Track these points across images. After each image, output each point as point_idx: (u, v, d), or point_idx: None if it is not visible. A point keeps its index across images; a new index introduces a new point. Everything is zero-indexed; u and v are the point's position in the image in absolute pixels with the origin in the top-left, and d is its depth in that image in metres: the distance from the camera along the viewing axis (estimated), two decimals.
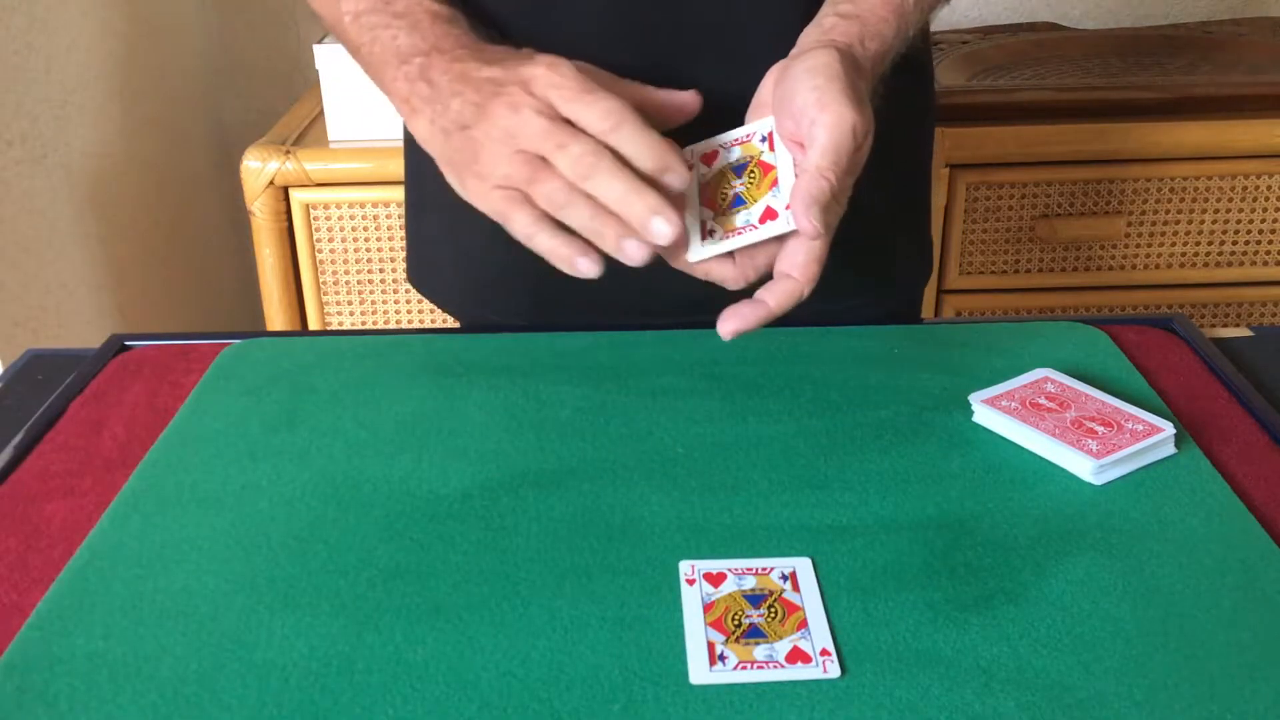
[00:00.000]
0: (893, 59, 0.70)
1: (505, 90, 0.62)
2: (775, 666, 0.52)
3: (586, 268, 0.61)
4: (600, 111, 0.60)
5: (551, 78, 0.61)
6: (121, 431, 0.72)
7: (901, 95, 0.73)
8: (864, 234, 0.80)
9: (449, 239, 0.89)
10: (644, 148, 0.60)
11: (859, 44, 0.67)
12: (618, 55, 0.75)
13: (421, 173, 0.87)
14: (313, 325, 1.53)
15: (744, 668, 0.52)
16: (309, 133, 1.54)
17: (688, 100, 0.67)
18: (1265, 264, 1.56)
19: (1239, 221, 1.53)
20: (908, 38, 0.71)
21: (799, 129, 0.62)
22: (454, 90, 0.64)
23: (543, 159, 0.61)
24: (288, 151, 1.45)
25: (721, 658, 0.52)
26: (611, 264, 0.63)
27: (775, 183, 0.64)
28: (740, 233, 0.64)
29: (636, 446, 0.69)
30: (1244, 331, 0.86)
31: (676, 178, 0.60)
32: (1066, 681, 0.51)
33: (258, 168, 1.44)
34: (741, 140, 0.66)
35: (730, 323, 0.63)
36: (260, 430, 0.71)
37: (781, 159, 0.64)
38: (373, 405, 0.73)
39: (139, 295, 1.61)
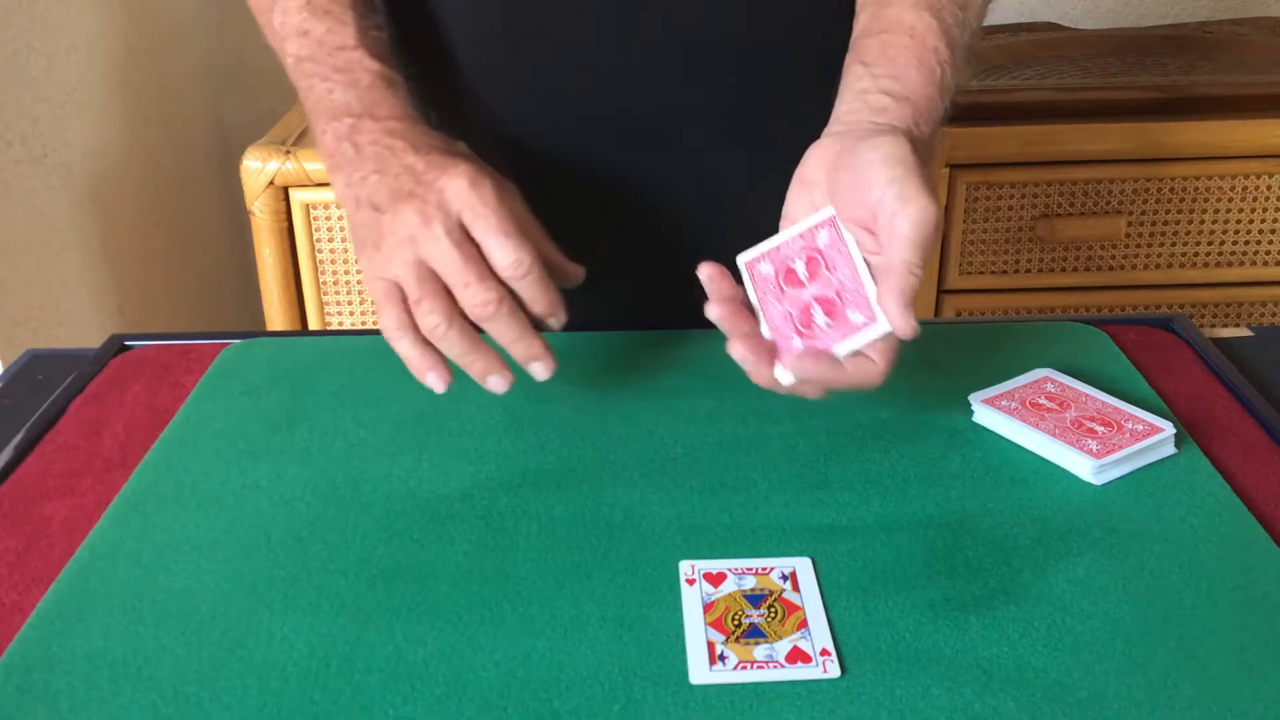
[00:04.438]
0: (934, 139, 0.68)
1: (420, 192, 0.63)
2: (775, 666, 0.52)
3: (435, 383, 0.64)
4: (515, 259, 0.62)
5: (471, 199, 0.62)
6: (121, 431, 0.72)
7: None
8: None
9: None
10: (540, 299, 0.64)
11: (915, 127, 0.64)
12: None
13: None
14: (313, 325, 1.53)
15: (744, 668, 0.52)
16: (309, 133, 1.53)
17: (575, 271, 0.69)
18: (1265, 264, 1.56)
19: (1239, 221, 1.53)
20: (947, 115, 0.68)
21: (872, 219, 0.59)
22: (376, 165, 0.65)
23: (436, 276, 0.62)
24: (288, 151, 1.45)
25: (721, 658, 0.52)
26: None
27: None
28: (832, 343, 0.59)
29: (636, 446, 0.69)
30: (1244, 331, 0.86)
31: (557, 321, 0.66)
32: (1066, 681, 0.51)
33: (258, 168, 1.44)
34: (802, 235, 0.62)
35: (796, 369, 0.58)
36: (260, 430, 0.71)
37: (854, 254, 0.60)
38: (373, 405, 0.73)
39: (139, 295, 1.61)
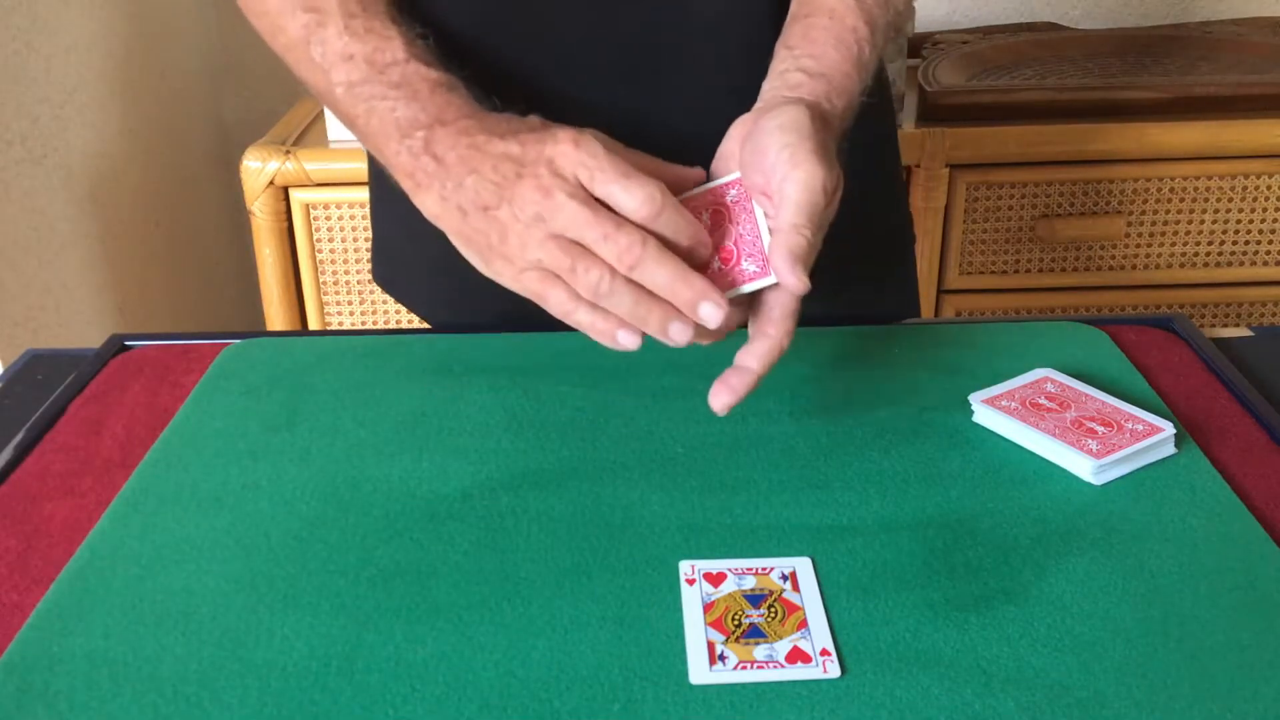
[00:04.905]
0: (855, 112, 0.70)
1: (529, 170, 0.61)
2: (775, 666, 0.52)
3: (627, 340, 0.61)
4: (643, 197, 0.59)
5: (581, 157, 0.60)
6: (121, 431, 0.72)
7: (863, 142, 0.73)
8: (840, 271, 0.80)
9: (413, 243, 0.88)
10: (681, 231, 0.61)
11: (827, 102, 0.67)
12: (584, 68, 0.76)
13: (383, 173, 0.88)
14: (313, 325, 1.53)
15: (744, 668, 0.52)
16: (309, 133, 1.54)
17: (695, 174, 0.66)
18: (1265, 264, 1.56)
19: (1239, 221, 1.53)
20: (867, 88, 0.71)
21: (769, 184, 0.62)
22: (468, 167, 0.63)
23: (578, 244, 0.60)
24: (288, 151, 1.45)
25: (721, 658, 0.52)
26: None
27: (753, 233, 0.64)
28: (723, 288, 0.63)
29: (636, 446, 0.69)
30: (1244, 331, 0.86)
31: (706, 249, 0.62)
32: (1066, 681, 0.51)
33: (258, 168, 1.44)
34: (711, 191, 0.65)
35: (722, 397, 0.62)
36: (260, 430, 0.71)
37: (756, 211, 0.64)
38: (373, 405, 0.73)
39: (139, 295, 1.61)
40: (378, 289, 1.51)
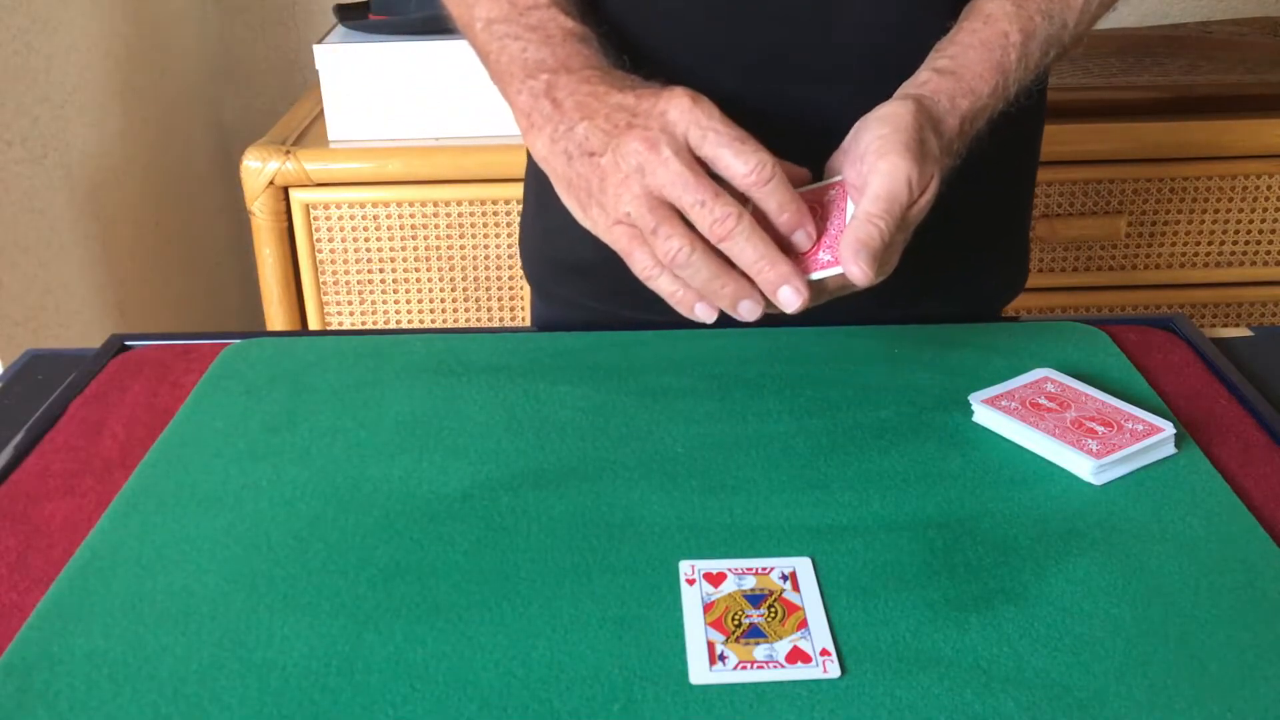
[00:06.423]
0: (992, 115, 0.69)
1: (640, 121, 0.61)
2: (775, 666, 0.52)
3: (703, 313, 0.61)
4: (755, 163, 0.59)
5: (696, 116, 0.60)
6: (121, 431, 0.72)
7: (1009, 118, 0.72)
8: (955, 243, 0.80)
9: (539, 215, 0.89)
10: (787, 204, 0.61)
11: (948, 100, 0.66)
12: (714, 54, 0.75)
13: None
14: (313, 325, 1.53)
15: (744, 668, 0.52)
16: (309, 133, 1.54)
17: (801, 172, 0.66)
18: (1265, 264, 1.56)
19: (1239, 221, 1.53)
20: (1009, 96, 0.70)
21: (859, 175, 0.62)
22: (582, 113, 0.63)
23: (668, 204, 0.60)
24: (288, 151, 1.45)
25: (721, 658, 0.52)
26: None
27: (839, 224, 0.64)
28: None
29: (636, 446, 0.69)
30: (1244, 331, 0.86)
31: (805, 237, 0.62)
32: (1066, 681, 0.51)
33: (258, 168, 1.44)
34: (812, 191, 0.66)
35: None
36: (260, 430, 0.71)
37: (849, 210, 0.64)
38: (373, 405, 0.73)
39: (139, 295, 1.61)
40: (377, 289, 1.51)
